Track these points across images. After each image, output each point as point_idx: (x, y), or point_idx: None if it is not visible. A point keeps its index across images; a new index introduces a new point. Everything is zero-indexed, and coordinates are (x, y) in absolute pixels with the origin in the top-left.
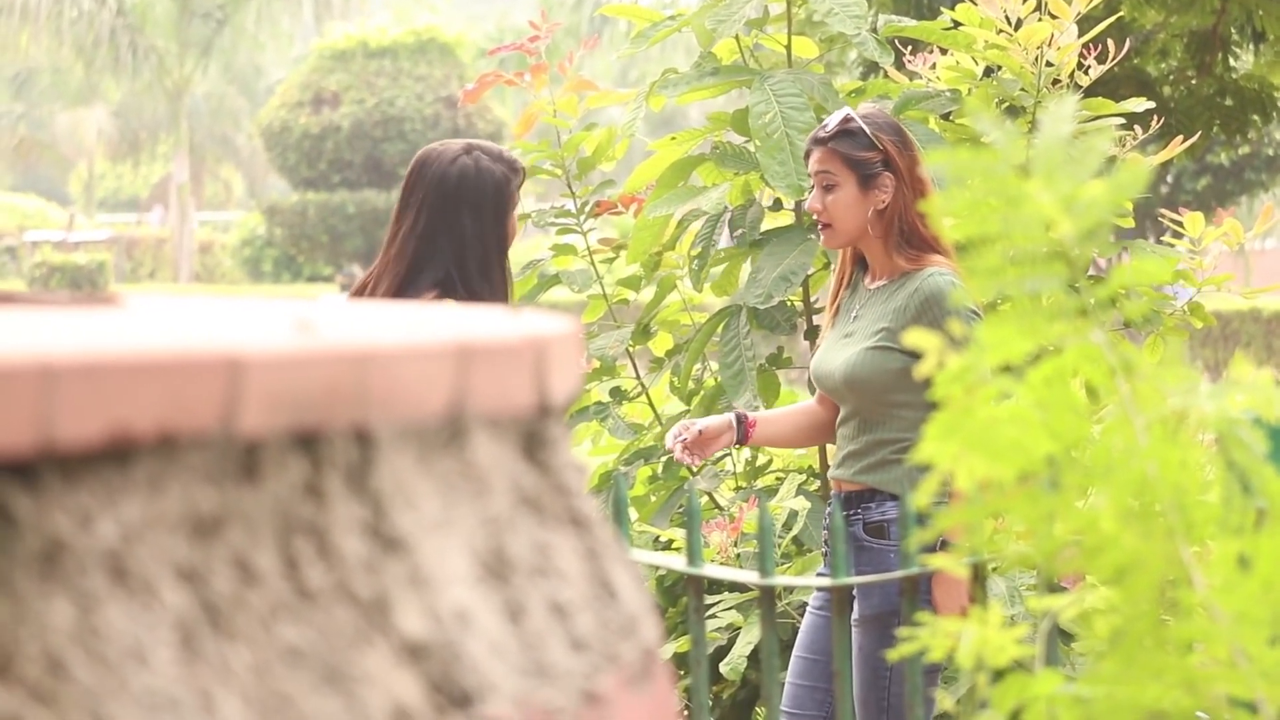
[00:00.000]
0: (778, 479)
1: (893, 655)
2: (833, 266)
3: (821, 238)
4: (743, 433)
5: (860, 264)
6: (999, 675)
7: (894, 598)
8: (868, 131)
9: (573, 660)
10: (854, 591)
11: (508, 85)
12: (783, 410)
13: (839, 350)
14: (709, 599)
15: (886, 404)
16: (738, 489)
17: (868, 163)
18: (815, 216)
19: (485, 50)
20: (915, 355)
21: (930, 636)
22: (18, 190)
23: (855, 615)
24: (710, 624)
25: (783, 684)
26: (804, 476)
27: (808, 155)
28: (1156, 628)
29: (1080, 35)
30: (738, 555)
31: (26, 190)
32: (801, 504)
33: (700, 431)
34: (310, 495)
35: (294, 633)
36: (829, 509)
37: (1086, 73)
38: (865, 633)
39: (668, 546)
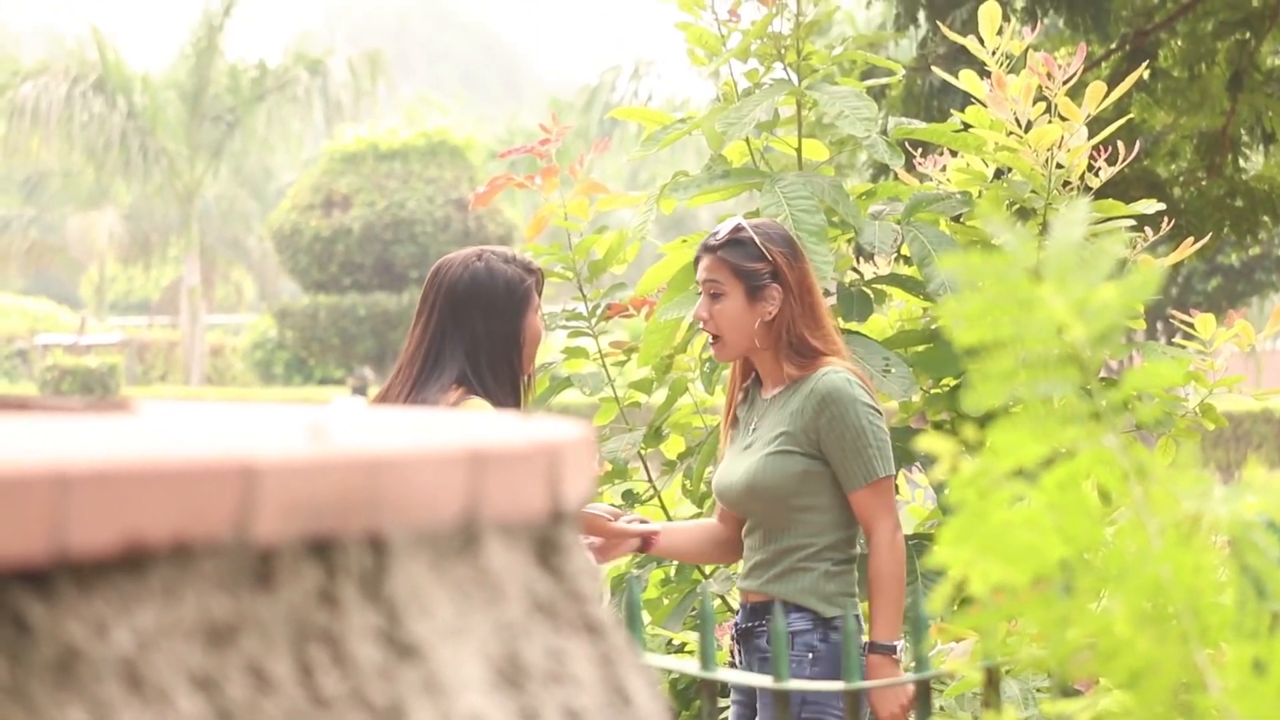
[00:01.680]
0: None
1: None
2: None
3: (712, 350)
4: (648, 540)
5: (755, 376)
6: None
7: (793, 708)
8: (757, 241)
9: None
10: (757, 703)
11: (518, 188)
12: (686, 524)
13: (739, 461)
14: (722, 702)
15: (790, 509)
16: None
17: (755, 273)
18: (701, 326)
19: (495, 152)
20: (816, 457)
21: None
22: (29, 293)
23: None
24: None
25: None
26: None
27: (697, 262)
28: None
29: (1090, 137)
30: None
31: (38, 293)
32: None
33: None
34: (325, 602)
35: None
36: (735, 619)
37: (1097, 174)
38: None
39: (680, 649)
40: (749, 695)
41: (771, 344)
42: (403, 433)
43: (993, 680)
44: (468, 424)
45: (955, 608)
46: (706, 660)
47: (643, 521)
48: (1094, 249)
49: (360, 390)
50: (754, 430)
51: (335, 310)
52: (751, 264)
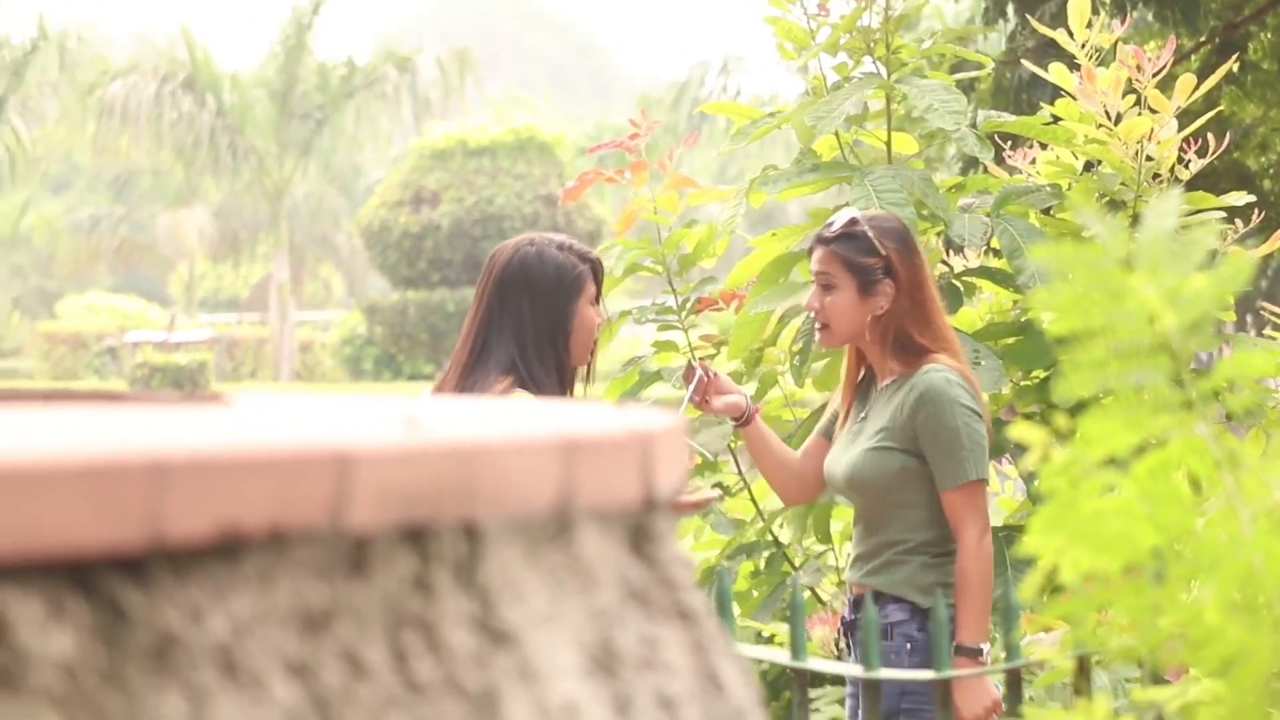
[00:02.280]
0: None
1: None
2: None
3: (819, 337)
4: (747, 415)
5: (863, 366)
6: None
7: (892, 700)
8: (871, 236)
9: None
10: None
11: (607, 183)
12: (781, 443)
13: (844, 451)
14: (812, 693)
15: (888, 504)
16: (840, 584)
17: (869, 269)
18: (812, 315)
19: (584, 149)
20: (914, 454)
21: None
22: (119, 291)
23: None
24: (814, 718)
25: None
26: None
27: (810, 252)
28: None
29: (1180, 130)
30: (841, 648)
31: (128, 291)
32: None
33: (714, 377)
34: (419, 589)
35: None
36: (844, 609)
37: (1187, 167)
38: None
39: (769, 641)
40: (859, 687)
41: (879, 339)
42: (497, 422)
43: (1084, 669)
44: (562, 413)
45: (1045, 597)
46: (797, 650)
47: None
48: (1186, 240)
49: None
50: (863, 419)
51: (424, 306)
52: (864, 259)
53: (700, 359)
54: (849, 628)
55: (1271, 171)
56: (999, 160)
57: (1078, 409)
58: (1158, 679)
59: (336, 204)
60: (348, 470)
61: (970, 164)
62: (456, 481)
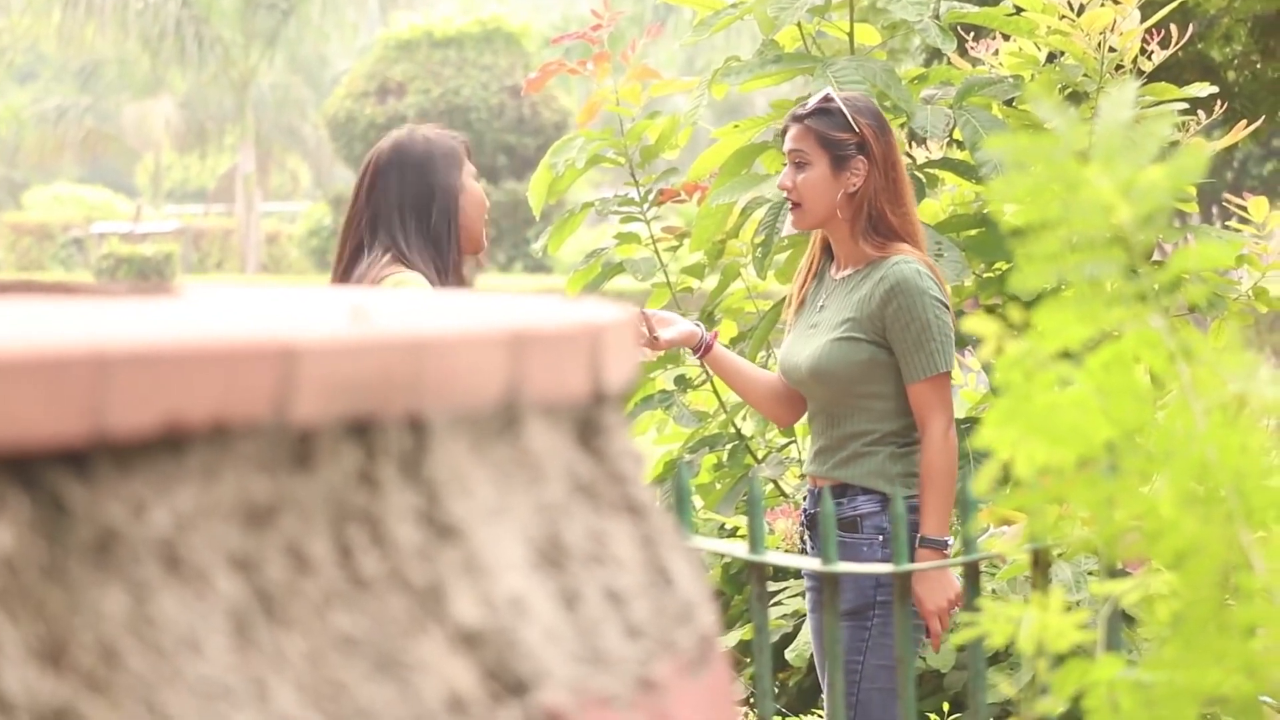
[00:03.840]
0: None
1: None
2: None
3: (791, 218)
4: (704, 344)
5: (827, 254)
6: (1059, 661)
7: (868, 592)
8: (846, 113)
9: (628, 647)
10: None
11: (571, 74)
12: (752, 365)
13: (804, 342)
14: (773, 586)
15: (854, 395)
16: (802, 476)
17: (842, 143)
18: (785, 195)
19: (550, 40)
20: (882, 345)
21: (990, 622)
22: (86, 182)
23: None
24: (775, 611)
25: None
26: None
27: (784, 132)
28: (1217, 612)
29: (1143, 20)
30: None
31: (95, 182)
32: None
33: (655, 338)
34: (364, 483)
35: (348, 621)
36: (805, 502)
37: (1149, 58)
38: (844, 628)
39: (733, 534)
40: (818, 580)
41: (851, 216)
42: (445, 314)
43: (1041, 563)
44: (511, 306)
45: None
46: (755, 544)
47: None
48: (1142, 131)
49: None
50: (820, 310)
51: None
52: (838, 134)
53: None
54: (811, 521)
55: (1235, 63)
56: (962, 52)
57: (1038, 301)
58: (1115, 572)
59: (303, 95)
60: (292, 362)
61: (934, 56)
62: (403, 374)
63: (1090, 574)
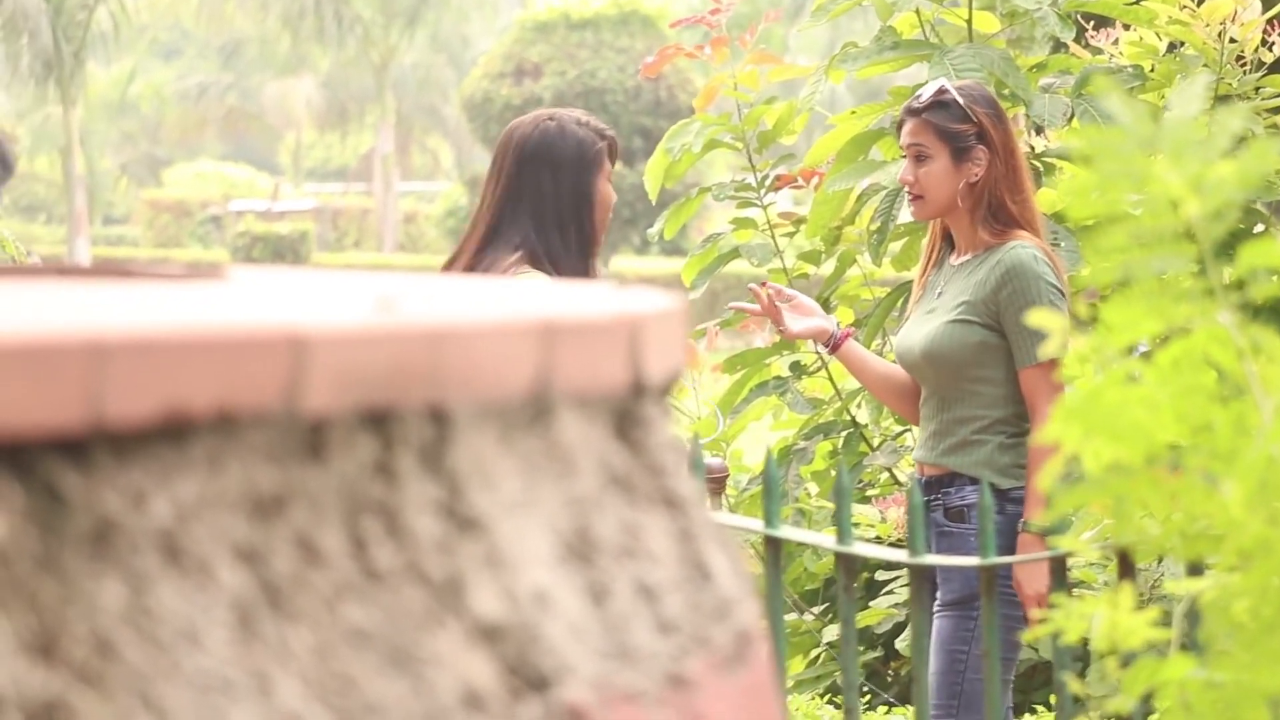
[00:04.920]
0: None
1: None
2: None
3: (912, 209)
4: (837, 338)
5: (947, 241)
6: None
7: (973, 582)
8: (962, 103)
9: (658, 643)
10: (936, 577)
11: (688, 58)
12: (881, 361)
13: (920, 325)
14: (885, 575)
15: (965, 379)
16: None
17: (961, 135)
18: (906, 189)
19: (670, 23)
20: (995, 329)
21: (1064, 619)
22: (229, 159)
23: (937, 601)
24: (886, 600)
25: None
26: None
27: (900, 125)
28: None
29: (1264, 10)
30: None
31: (238, 160)
32: None
33: (794, 298)
34: (380, 474)
35: (359, 614)
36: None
37: (1270, 49)
38: (944, 619)
39: None
40: (930, 570)
41: (972, 206)
42: (474, 303)
43: (1124, 560)
44: (545, 294)
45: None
46: (842, 534)
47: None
48: (1212, 125)
49: None
50: (939, 296)
51: None
52: (957, 126)
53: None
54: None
55: None
56: (1082, 41)
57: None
58: (1195, 569)
59: (444, 75)
60: (303, 352)
61: (1059, 46)
62: (423, 364)
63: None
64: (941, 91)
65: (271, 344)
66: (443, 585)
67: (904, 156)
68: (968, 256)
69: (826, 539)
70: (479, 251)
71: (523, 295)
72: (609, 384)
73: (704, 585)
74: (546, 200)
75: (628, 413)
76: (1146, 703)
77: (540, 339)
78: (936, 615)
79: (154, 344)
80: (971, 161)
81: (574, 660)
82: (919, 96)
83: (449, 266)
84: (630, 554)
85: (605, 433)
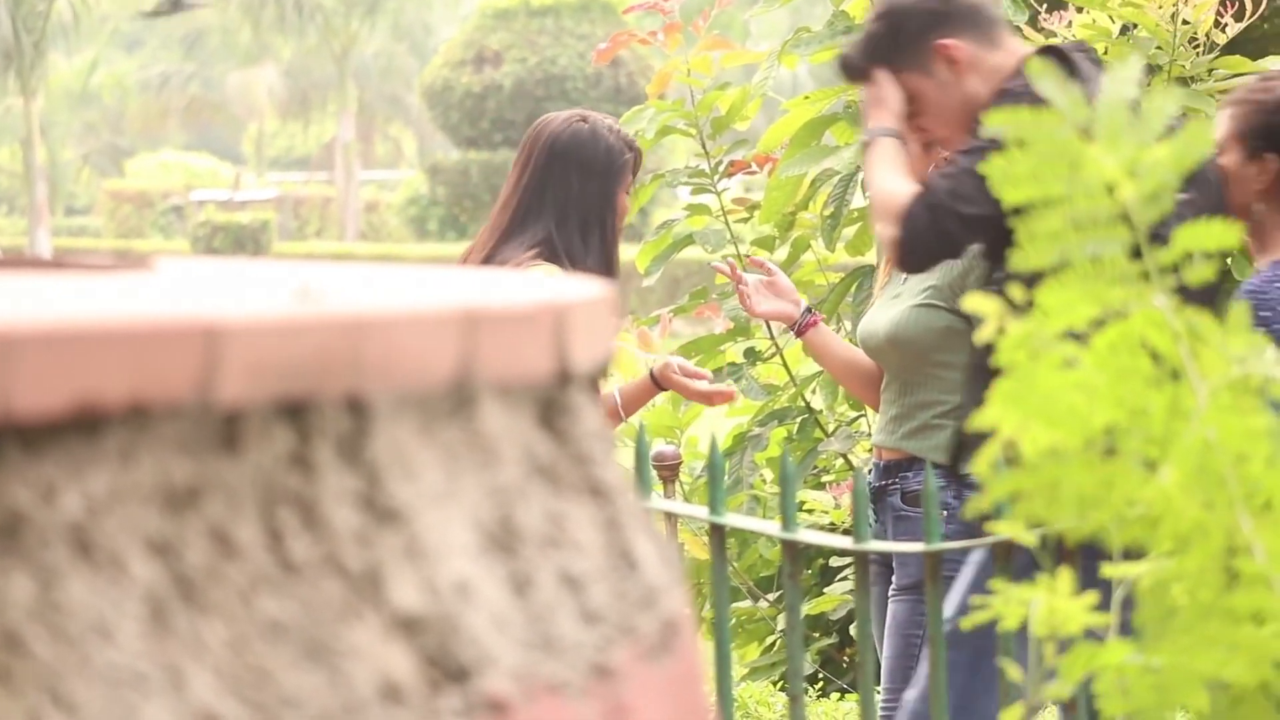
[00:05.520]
0: None
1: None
2: None
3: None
4: (803, 324)
5: None
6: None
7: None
8: None
9: (583, 633)
10: (893, 562)
11: (641, 44)
12: (848, 347)
13: (886, 310)
14: (840, 561)
15: (929, 364)
16: (871, 450)
17: None
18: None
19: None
20: (961, 314)
21: (1002, 605)
22: (192, 149)
23: (893, 586)
24: (841, 586)
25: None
26: None
27: None
28: (1219, 598)
29: None
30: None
31: (201, 149)
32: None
33: (774, 278)
34: (297, 466)
35: (275, 606)
36: (871, 475)
37: (1224, 30)
38: (899, 603)
39: (799, 508)
40: (885, 555)
41: None
42: (395, 293)
43: (1062, 546)
44: (466, 283)
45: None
46: (787, 521)
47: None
48: (1145, 108)
49: None
50: (904, 281)
51: (486, 167)
52: None
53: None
54: (876, 494)
55: None
56: (1034, 23)
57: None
58: (1131, 554)
59: (406, 63)
60: (216, 343)
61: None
62: (340, 354)
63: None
64: None
65: (185, 335)
66: (361, 577)
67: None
68: None
69: (772, 526)
70: (497, 244)
71: (445, 284)
72: (533, 372)
73: (630, 574)
74: (572, 199)
75: (553, 401)
76: (1085, 687)
77: (462, 328)
78: (892, 600)
79: (64, 336)
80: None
81: (495, 651)
82: None
83: (466, 258)
84: (554, 543)
85: (529, 422)
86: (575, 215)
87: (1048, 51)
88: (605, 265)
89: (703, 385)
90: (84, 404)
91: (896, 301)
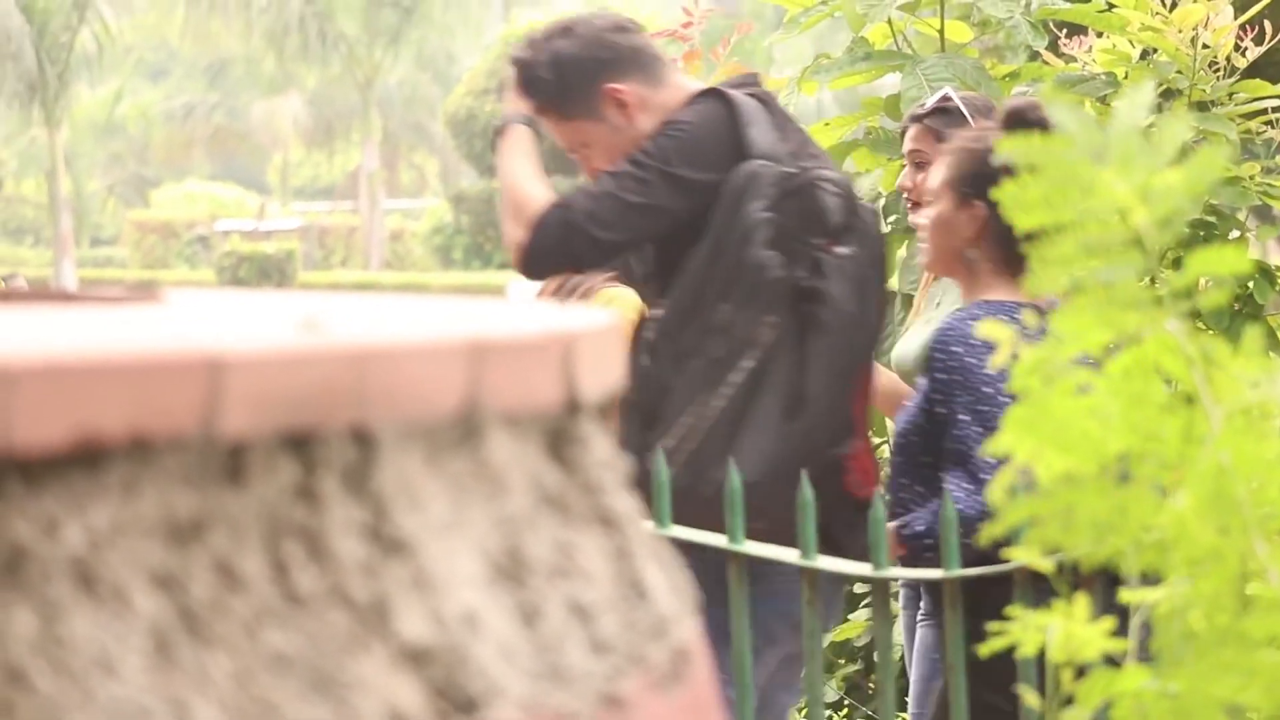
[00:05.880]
0: None
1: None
2: None
3: (910, 216)
4: None
5: None
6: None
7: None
8: (964, 112)
9: (592, 663)
10: (921, 587)
11: None
12: (888, 373)
13: (918, 336)
14: (865, 588)
15: None
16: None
17: None
18: (904, 195)
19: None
20: None
21: (1020, 631)
22: (217, 179)
23: (921, 611)
24: (866, 613)
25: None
26: None
27: (903, 133)
28: (1235, 623)
29: (1236, 16)
30: None
31: (226, 179)
32: None
33: None
34: (302, 498)
35: (281, 638)
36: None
37: (1244, 54)
38: (927, 628)
39: None
40: (914, 585)
41: None
42: (404, 324)
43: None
44: (474, 313)
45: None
46: (806, 549)
47: None
48: (1157, 133)
49: None
50: (938, 306)
51: None
52: (957, 133)
53: None
54: None
55: None
56: (1056, 49)
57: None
58: (1149, 579)
59: (430, 92)
60: (220, 375)
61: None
62: (345, 386)
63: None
64: (945, 99)
65: (188, 367)
66: (368, 608)
67: (903, 165)
68: None
69: (789, 554)
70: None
71: (452, 314)
72: (541, 402)
73: (640, 603)
74: None
75: (561, 431)
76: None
77: (469, 358)
78: (920, 625)
79: (64, 369)
80: None
81: (504, 682)
82: (922, 104)
83: (546, 286)
84: (563, 573)
85: (537, 451)
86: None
87: (709, 93)
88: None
89: None
90: (85, 437)
91: (928, 327)
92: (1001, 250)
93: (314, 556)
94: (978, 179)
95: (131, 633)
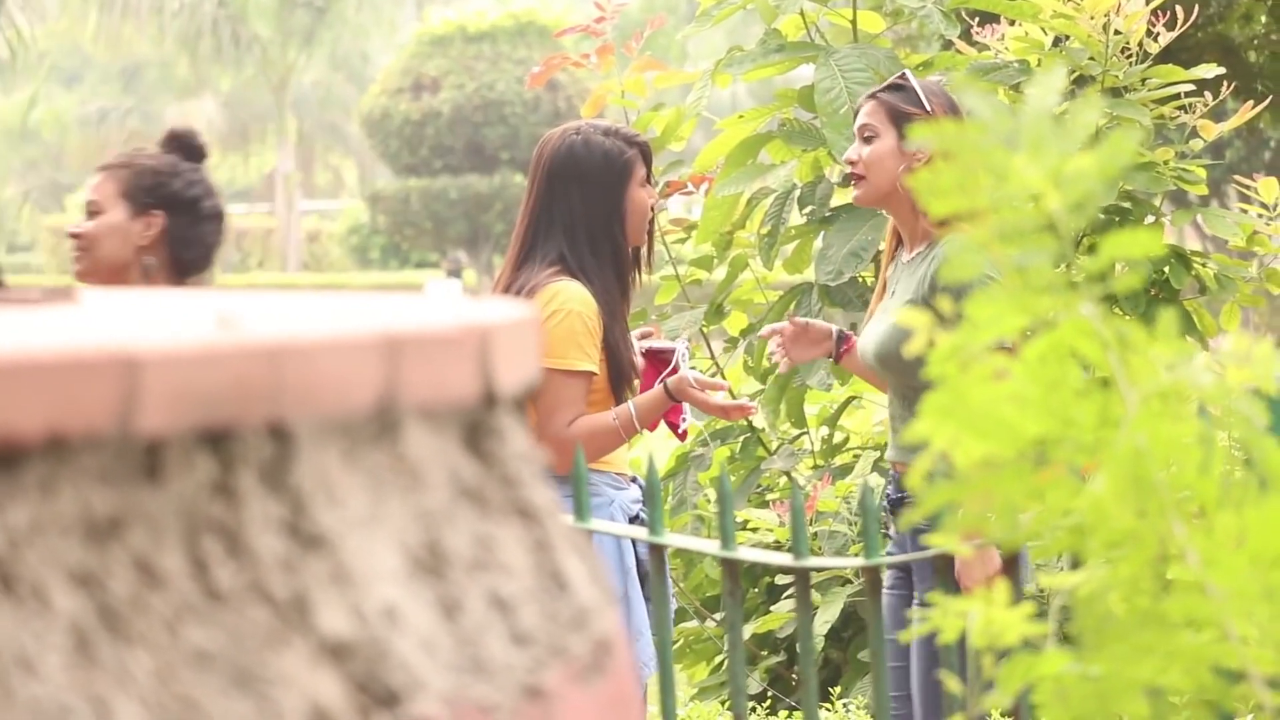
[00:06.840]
0: (854, 456)
1: (904, 636)
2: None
3: (854, 192)
4: (839, 349)
5: (899, 236)
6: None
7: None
8: (919, 91)
9: (513, 655)
10: (913, 574)
11: (574, 67)
12: None
13: (875, 327)
14: (787, 579)
15: (918, 379)
16: (814, 467)
17: (912, 117)
18: (849, 169)
19: (553, 34)
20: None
21: (940, 617)
22: None
23: (918, 596)
24: (789, 604)
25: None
26: (880, 453)
27: (858, 112)
28: (1154, 605)
29: (1148, 2)
30: (814, 535)
31: None
32: (877, 481)
33: (806, 325)
34: (221, 494)
35: (201, 635)
36: (889, 488)
37: (1156, 40)
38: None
39: (743, 527)
40: (904, 568)
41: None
42: (316, 320)
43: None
44: (391, 308)
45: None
46: (726, 539)
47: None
48: (1069, 117)
49: (455, 273)
50: (892, 295)
51: (427, 194)
52: (909, 108)
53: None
54: (893, 506)
55: (1256, 43)
56: (968, 37)
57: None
58: (1073, 563)
59: (345, 92)
60: (135, 373)
61: (947, 45)
62: (262, 382)
63: (1037, 566)
64: (901, 77)
65: (103, 365)
66: (288, 604)
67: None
68: (915, 252)
69: (711, 545)
70: (516, 269)
71: (367, 310)
72: (458, 396)
73: (560, 595)
74: (576, 215)
75: (479, 424)
76: (1026, 698)
77: (384, 353)
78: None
79: None
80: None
81: (425, 675)
82: (879, 84)
83: (495, 287)
84: (483, 566)
85: (455, 445)
86: (582, 229)
87: None
88: (618, 271)
89: (719, 398)
90: (1, 437)
91: (884, 317)
92: (173, 256)
93: (233, 553)
94: (154, 189)
95: (51, 631)
